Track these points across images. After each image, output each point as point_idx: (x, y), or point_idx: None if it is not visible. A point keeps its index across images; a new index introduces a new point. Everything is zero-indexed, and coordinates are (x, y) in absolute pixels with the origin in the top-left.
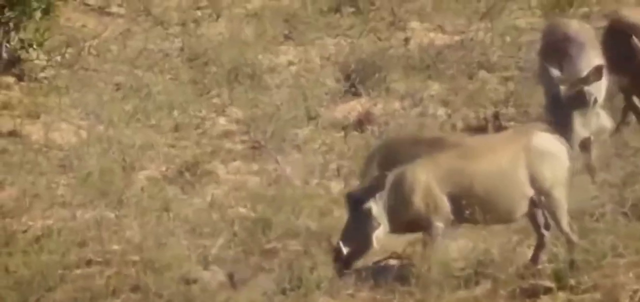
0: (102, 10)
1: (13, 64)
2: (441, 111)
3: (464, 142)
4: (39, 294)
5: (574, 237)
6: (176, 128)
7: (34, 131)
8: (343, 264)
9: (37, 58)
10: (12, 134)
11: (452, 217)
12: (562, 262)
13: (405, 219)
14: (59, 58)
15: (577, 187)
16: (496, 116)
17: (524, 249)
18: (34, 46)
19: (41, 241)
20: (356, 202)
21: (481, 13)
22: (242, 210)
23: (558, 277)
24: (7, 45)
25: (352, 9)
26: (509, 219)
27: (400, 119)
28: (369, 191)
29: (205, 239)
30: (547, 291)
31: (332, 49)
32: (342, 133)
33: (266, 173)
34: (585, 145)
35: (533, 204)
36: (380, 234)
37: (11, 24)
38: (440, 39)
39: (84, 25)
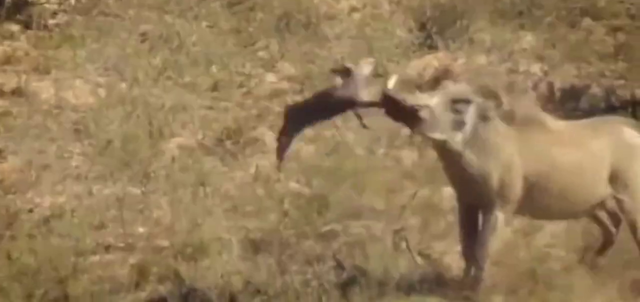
0: None
1: (18, 9)
2: (536, 67)
3: (552, 124)
4: (47, 286)
5: None
6: (215, 87)
7: (43, 89)
8: None
9: (47, 2)
10: (17, 92)
11: (515, 207)
12: None
13: (475, 189)
14: (72, 1)
15: None
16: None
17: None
18: None
19: (50, 223)
20: None
21: None
22: (293, 185)
23: None
24: None
25: None
26: (570, 217)
27: (486, 77)
28: None
29: (249, 220)
30: None
31: None
32: None
33: (323, 141)
34: None
35: (602, 206)
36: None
37: None
38: None
39: None
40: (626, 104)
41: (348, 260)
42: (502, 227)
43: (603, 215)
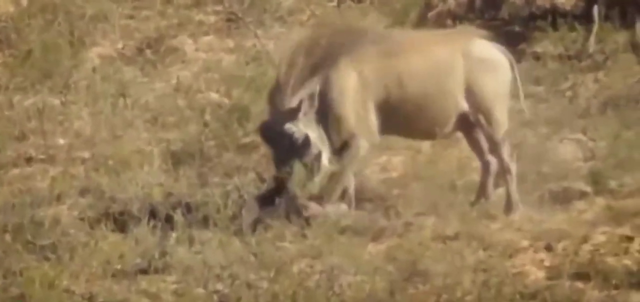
0: None
1: None
2: None
3: (391, 36)
4: None
5: (513, 168)
6: None
7: None
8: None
9: None
10: None
11: (378, 136)
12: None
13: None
14: None
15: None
16: None
17: (555, 143)
18: None
19: None
20: (286, 132)
21: None
22: (214, 95)
23: (596, 179)
24: None
25: None
26: (436, 134)
27: None
28: (295, 113)
29: (170, 131)
30: (583, 195)
31: None
32: (335, 3)
33: (243, 50)
34: None
35: (466, 122)
36: (326, 163)
37: None
38: None
39: None
40: (546, 13)
41: (268, 172)
42: (365, 152)
43: (482, 139)
